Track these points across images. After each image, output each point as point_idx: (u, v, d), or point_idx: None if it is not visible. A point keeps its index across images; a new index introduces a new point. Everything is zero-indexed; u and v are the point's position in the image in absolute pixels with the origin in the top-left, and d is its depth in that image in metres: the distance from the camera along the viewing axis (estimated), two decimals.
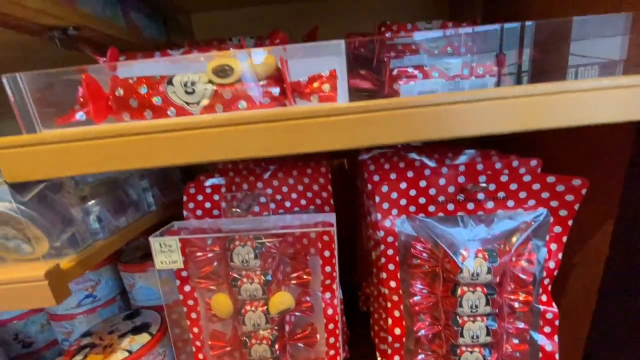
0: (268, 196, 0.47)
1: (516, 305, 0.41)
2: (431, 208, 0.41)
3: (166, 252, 0.40)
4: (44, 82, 0.31)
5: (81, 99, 0.34)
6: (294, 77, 0.33)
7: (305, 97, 0.33)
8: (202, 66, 0.32)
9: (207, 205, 0.49)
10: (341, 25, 0.67)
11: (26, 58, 0.56)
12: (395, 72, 0.47)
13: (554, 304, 0.42)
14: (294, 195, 0.48)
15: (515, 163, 0.43)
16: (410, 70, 0.47)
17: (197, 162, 0.30)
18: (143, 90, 0.31)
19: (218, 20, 0.66)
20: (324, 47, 0.31)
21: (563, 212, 0.39)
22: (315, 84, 0.33)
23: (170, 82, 0.31)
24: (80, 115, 0.33)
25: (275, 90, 0.32)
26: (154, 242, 0.40)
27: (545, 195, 0.39)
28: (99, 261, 0.42)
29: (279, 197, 0.48)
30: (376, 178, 0.44)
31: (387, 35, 0.55)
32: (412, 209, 0.41)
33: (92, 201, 0.43)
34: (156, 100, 0.32)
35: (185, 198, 0.49)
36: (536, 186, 0.38)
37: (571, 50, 0.38)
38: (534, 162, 0.43)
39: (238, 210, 0.39)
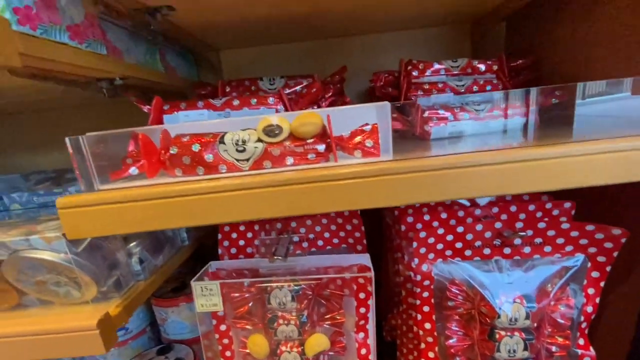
0: (301, 235, 0.48)
1: (554, 349, 0.41)
2: (467, 252, 0.41)
3: (207, 296, 0.41)
4: (101, 141, 0.33)
5: (134, 152, 0.35)
6: (336, 131, 0.34)
7: (349, 151, 0.34)
8: (252, 122, 0.34)
9: (241, 242, 0.50)
10: (365, 61, 0.69)
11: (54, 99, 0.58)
12: (426, 114, 0.48)
13: (591, 348, 0.42)
14: (326, 235, 0.49)
15: (548, 205, 0.44)
16: (441, 112, 0.47)
17: (247, 220, 0.31)
18: (195, 148, 0.33)
19: (246, 57, 0.68)
20: (369, 108, 0.33)
21: (601, 259, 0.39)
22: (358, 139, 0.34)
23: (222, 141, 0.33)
24: (133, 170, 0.34)
25: (321, 147, 0.33)
26: (196, 285, 0.41)
27: (583, 241, 0.39)
28: (141, 303, 0.43)
29: (311, 236, 0.49)
30: (411, 220, 0.44)
31: (413, 73, 0.56)
32: (448, 252, 0.42)
33: (134, 242, 0.44)
34: (208, 157, 0.33)
35: (220, 236, 0.50)
36: (574, 233, 0.39)
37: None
38: (567, 205, 0.44)
39: (279, 258, 0.40)
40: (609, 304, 0.45)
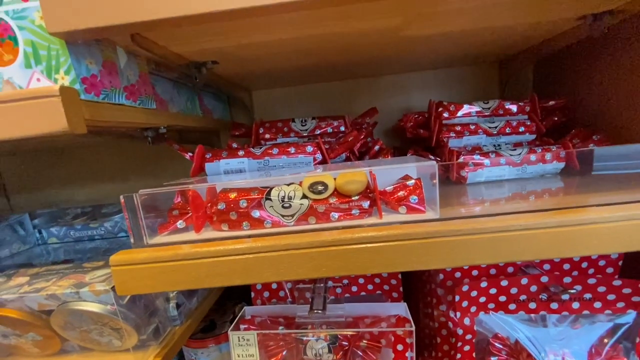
0: (335, 280, 0.48)
1: None
2: (512, 306, 0.40)
3: (244, 346, 0.41)
4: (150, 197, 0.34)
5: (179, 203, 0.37)
6: (380, 184, 0.34)
7: (393, 206, 0.34)
8: (296, 178, 0.34)
9: (274, 286, 0.50)
10: (393, 99, 0.70)
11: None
12: (461, 159, 0.48)
13: None
14: (361, 281, 0.48)
15: (594, 255, 0.42)
16: (477, 157, 0.47)
17: (298, 279, 0.31)
18: (243, 204, 0.34)
19: (276, 97, 0.70)
20: (416, 167, 0.33)
21: None
22: (401, 193, 0.34)
23: (268, 197, 0.33)
24: (180, 224, 0.35)
25: (365, 204, 0.33)
26: (233, 336, 0.41)
27: (636, 298, 0.37)
28: (178, 350, 0.43)
29: (346, 281, 0.48)
30: (458, 275, 0.43)
31: (444, 115, 0.57)
32: (491, 306, 0.40)
33: None
34: (255, 213, 0.34)
35: None
36: (626, 290, 0.37)
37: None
38: (614, 255, 0.42)
39: (318, 311, 0.40)
40: None
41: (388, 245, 0.30)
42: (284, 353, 0.45)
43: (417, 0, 0.33)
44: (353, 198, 0.33)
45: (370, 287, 0.48)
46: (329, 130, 0.58)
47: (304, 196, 0.33)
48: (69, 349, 0.41)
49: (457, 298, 0.39)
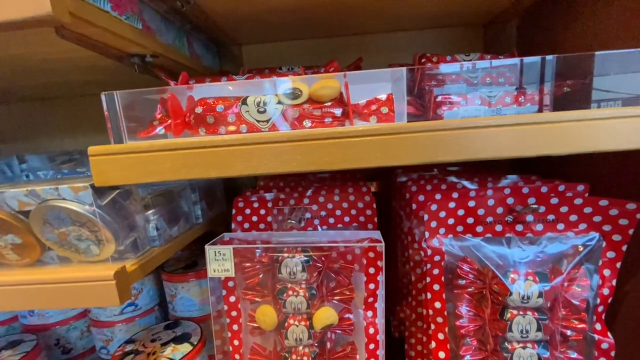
0: (313, 212, 0.49)
1: (569, 333, 0.40)
2: (479, 228, 0.42)
3: (220, 260, 0.42)
4: (132, 100, 0.35)
5: (159, 115, 0.38)
6: (353, 100, 0.36)
7: (364, 117, 0.36)
8: (271, 89, 0.36)
9: (254, 218, 0.52)
10: (379, 59, 0.71)
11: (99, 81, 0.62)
12: (439, 99, 0.49)
13: (609, 334, 0.41)
14: (338, 212, 0.49)
15: (561, 187, 0.44)
16: (453, 97, 0.49)
17: (266, 173, 0.32)
18: (219, 108, 0.35)
19: (266, 52, 0.71)
20: (385, 74, 0.34)
21: (616, 237, 0.39)
22: (374, 107, 0.36)
23: (244, 102, 0.35)
24: (159, 130, 0.37)
25: (338, 112, 0.35)
26: (209, 250, 0.42)
27: (597, 218, 0.39)
28: (155, 267, 0.44)
29: (323, 213, 0.50)
30: (422, 198, 0.45)
31: (427, 65, 0.58)
32: (459, 228, 0.42)
33: (152, 210, 0.46)
34: (231, 117, 0.35)
35: (234, 211, 0.51)
36: (587, 209, 0.39)
37: (594, 85, 0.40)
38: (581, 187, 0.44)
39: (292, 221, 0.41)
40: (630, 289, 0.44)
41: (354, 140, 0.31)
42: (260, 276, 0.46)
43: None
44: (326, 104, 0.35)
45: (347, 219, 0.49)
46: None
47: (279, 102, 0.35)
48: (48, 260, 0.42)
49: (425, 217, 0.41)
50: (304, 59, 0.72)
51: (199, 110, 0.35)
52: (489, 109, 0.49)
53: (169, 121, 0.36)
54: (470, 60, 0.59)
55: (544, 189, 0.44)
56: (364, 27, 0.68)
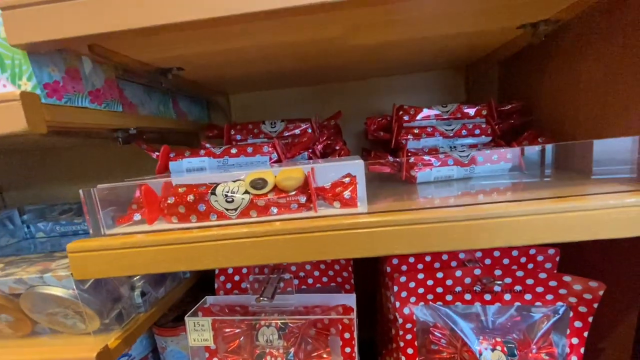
0: (292, 272, 0.51)
1: None
2: (448, 297, 0.43)
3: (199, 331, 0.44)
4: (111, 192, 0.37)
5: (139, 198, 0.40)
6: (320, 181, 0.37)
7: (329, 201, 0.37)
8: (243, 175, 0.38)
9: (236, 278, 0.53)
10: (364, 104, 0.73)
11: None
12: (412, 160, 0.50)
13: None
14: (316, 273, 0.51)
15: (532, 251, 0.45)
16: (426, 158, 0.50)
17: (233, 266, 0.34)
18: (190, 198, 0.37)
19: (253, 100, 0.73)
20: (348, 165, 0.36)
21: (582, 309, 0.39)
22: (338, 189, 0.37)
23: (213, 192, 0.37)
24: (136, 216, 0.39)
25: (302, 199, 0.36)
26: (189, 321, 0.44)
27: (562, 291, 0.39)
28: (142, 334, 0.46)
29: (302, 274, 0.51)
30: (396, 262, 0.46)
31: (404, 118, 0.60)
32: (429, 297, 0.43)
33: (137, 276, 0.48)
34: (201, 207, 0.37)
35: (217, 271, 0.53)
36: (553, 283, 0.39)
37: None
38: (551, 251, 0.45)
39: (265, 299, 0.43)
40: (601, 353, 0.44)
41: (316, 235, 0.33)
42: (240, 340, 0.48)
43: (348, 13, 0.36)
44: (290, 193, 0.36)
45: (325, 279, 0.51)
46: (297, 132, 0.62)
47: (246, 192, 0.36)
48: (40, 331, 0.44)
49: (395, 288, 0.42)
50: (290, 106, 0.74)
51: (171, 200, 0.37)
52: (462, 169, 0.50)
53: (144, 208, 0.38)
54: (447, 111, 0.60)
55: (514, 253, 0.45)
56: (345, 77, 0.70)
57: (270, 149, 0.48)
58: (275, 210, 0.37)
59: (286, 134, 0.62)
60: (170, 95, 0.59)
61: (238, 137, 0.62)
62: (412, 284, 0.42)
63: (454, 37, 0.48)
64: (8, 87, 0.33)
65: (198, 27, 0.31)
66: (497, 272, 0.41)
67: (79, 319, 0.41)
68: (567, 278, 0.38)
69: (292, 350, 0.45)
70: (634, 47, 0.38)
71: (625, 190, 0.32)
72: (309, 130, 0.61)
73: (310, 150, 0.55)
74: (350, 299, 0.47)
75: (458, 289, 0.42)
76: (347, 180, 0.37)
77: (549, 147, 0.38)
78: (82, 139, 0.49)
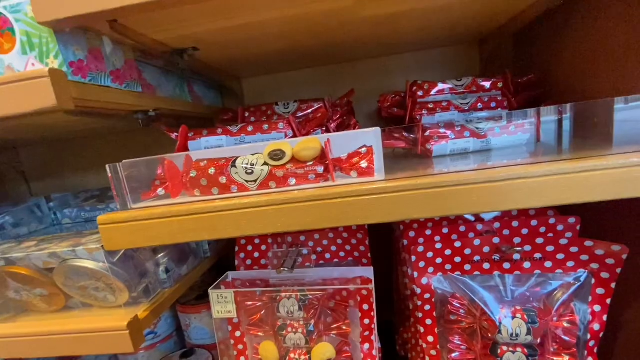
0: (310, 248, 0.52)
1: None
2: (467, 267, 0.43)
3: (222, 303, 0.45)
4: (135, 167, 0.39)
5: (161, 175, 0.41)
6: (336, 153, 0.38)
7: (346, 171, 0.38)
8: (261, 148, 0.38)
9: (256, 255, 0.55)
10: (376, 83, 0.72)
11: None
12: (427, 133, 0.50)
13: None
14: (333, 248, 0.52)
15: (552, 220, 0.44)
16: (442, 131, 0.50)
17: (254, 234, 0.35)
18: (211, 171, 0.38)
19: (265, 84, 0.74)
20: (364, 134, 0.36)
21: (605, 275, 0.39)
22: (355, 160, 0.38)
23: (233, 165, 0.38)
24: (160, 191, 0.40)
25: (320, 169, 0.37)
26: (212, 294, 0.45)
27: (584, 257, 0.39)
28: (167, 308, 0.48)
29: (319, 249, 0.52)
30: (413, 234, 0.46)
31: (419, 94, 0.59)
32: (448, 267, 0.43)
33: (161, 254, 0.50)
34: (222, 179, 0.38)
35: (237, 248, 0.55)
36: (574, 249, 0.39)
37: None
38: (572, 220, 0.44)
39: (285, 269, 0.44)
40: (624, 323, 0.44)
41: (334, 202, 0.34)
42: (262, 313, 0.49)
43: None
44: (308, 164, 0.37)
45: (342, 254, 0.51)
46: (310, 111, 0.62)
47: (265, 163, 0.37)
48: (73, 305, 0.47)
49: (413, 258, 0.42)
50: (302, 88, 0.74)
51: (193, 174, 0.38)
52: (478, 141, 0.50)
53: (168, 182, 0.40)
54: (462, 85, 0.59)
55: (533, 223, 0.44)
56: (358, 55, 0.69)
57: (285, 125, 0.48)
58: (293, 180, 0.37)
59: (299, 114, 0.62)
60: (185, 79, 0.60)
61: (252, 119, 0.63)
62: (430, 254, 0.43)
63: (468, 4, 0.47)
64: (36, 65, 0.34)
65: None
66: (517, 240, 0.41)
67: (109, 291, 0.43)
68: (588, 243, 0.38)
69: (312, 321, 0.47)
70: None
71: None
72: (324, 109, 0.62)
73: (324, 128, 0.55)
74: (368, 271, 0.47)
75: (477, 258, 0.42)
76: (363, 150, 0.38)
77: (566, 108, 0.38)
78: (104, 121, 0.50)
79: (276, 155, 0.37)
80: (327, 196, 0.34)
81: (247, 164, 0.37)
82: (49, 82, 0.32)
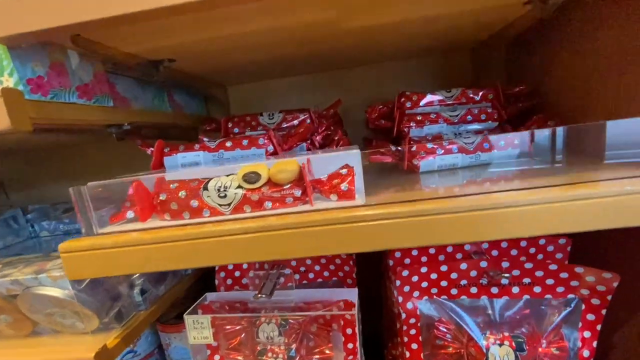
0: (293, 267, 0.50)
1: None
2: (454, 291, 0.41)
3: (198, 329, 0.43)
4: (104, 190, 0.36)
5: (132, 197, 0.39)
6: (316, 172, 0.36)
7: (325, 193, 0.36)
8: (236, 168, 0.36)
9: (237, 273, 0.53)
10: (367, 91, 0.70)
11: None
12: (414, 148, 0.48)
13: None
14: (317, 267, 0.50)
15: (542, 241, 0.43)
16: (429, 146, 0.48)
17: (228, 264, 0.33)
18: (182, 195, 0.36)
19: (251, 91, 0.72)
20: (344, 156, 0.34)
21: (595, 301, 0.37)
22: (335, 181, 0.36)
23: (205, 188, 0.35)
24: (130, 214, 0.38)
25: (297, 192, 0.35)
26: (188, 319, 0.43)
27: (574, 283, 0.37)
28: (142, 332, 0.45)
29: (302, 268, 0.50)
30: (398, 255, 0.45)
31: (407, 105, 0.57)
32: (434, 290, 0.41)
33: (137, 274, 0.48)
34: (193, 203, 0.36)
35: (217, 267, 0.52)
36: (564, 274, 0.37)
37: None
38: (562, 241, 0.43)
39: (263, 296, 0.42)
40: (614, 347, 0.42)
41: (312, 230, 0.32)
42: (241, 337, 0.47)
43: None
44: (285, 187, 0.35)
45: (326, 274, 0.50)
46: (295, 122, 0.60)
47: (239, 186, 0.35)
48: (41, 330, 0.44)
49: (397, 283, 0.41)
50: (290, 96, 0.72)
51: (163, 197, 0.36)
52: (467, 156, 0.48)
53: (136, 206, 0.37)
54: (451, 96, 0.57)
55: (523, 243, 0.43)
56: (347, 64, 0.67)
57: (266, 141, 0.46)
58: (269, 204, 0.35)
59: (284, 125, 0.60)
60: (165, 89, 0.58)
61: (236, 130, 0.60)
62: (415, 278, 0.41)
63: (455, 16, 0.45)
64: None
65: (181, 12, 0.30)
66: (505, 264, 0.39)
67: (77, 318, 0.41)
68: (579, 269, 0.36)
69: (293, 346, 0.45)
70: None
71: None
72: (308, 121, 0.60)
73: (308, 141, 0.53)
74: (352, 294, 0.45)
75: (463, 282, 0.40)
76: (344, 171, 0.36)
77: (559, 131, 0.36)
78: (77, 136, 0.48)
79: (251, 178, 0.35)
80: (305, 224, 0.32)
81: (220, 187, 0.35)
82: (1, 102, 0.30)
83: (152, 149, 0.48)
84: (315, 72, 0.71)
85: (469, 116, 0.55)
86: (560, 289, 0.38)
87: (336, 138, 0.55)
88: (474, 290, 0.41)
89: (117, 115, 0.45)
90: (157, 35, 0.39)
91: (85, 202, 0.36)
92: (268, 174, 0.35)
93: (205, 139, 0.47)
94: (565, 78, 0.51)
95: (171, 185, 0.36)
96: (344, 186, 0.35)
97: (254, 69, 0.61)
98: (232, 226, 0.33)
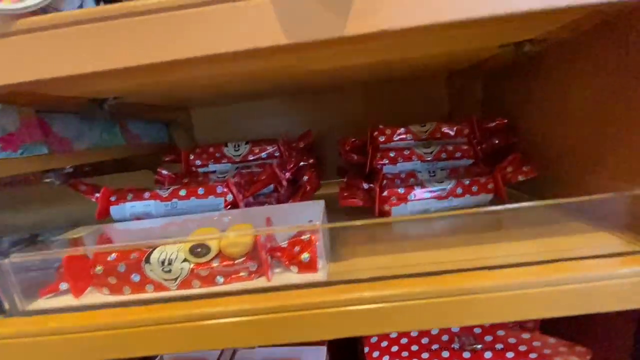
0: None
1: None
2: (424, 355, 0.39)
3: None
4: (29, 263, 0.32)
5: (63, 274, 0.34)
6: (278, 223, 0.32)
7: (286, 264, 0.32)
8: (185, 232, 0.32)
9: None
10: (339, 113, 0.67)
11: None
12: (385, 193, 0.45)
13: None
14: None
15: None
16: (401, 191, 0.45)
17: (174, 352, 0.29)
18: (121, 268, 0.31)
19: (217, 114, 0.67)
20: (306, 206, 0.31)
21: None
22: (296, 249, 0.32)
23: (148, 260, 0.31)
24: (63, 286, 0.33)
25: (253, 267, 0.31)
26: None
27: (547, 351, 0.36)
28: None
29: None
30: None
31: (380, 139, 0.54)
32: (404, 354, 0.39)
33: None
34: (134, 277, 0.31)
35: None
36: (536, 343, 0.36)
37: None
38: None
39: None
40: None
41: (266, 318, 0.28)
42: None
43: (300, 46, 0.30)
44: (237, 260, 0.31)
45: None
46: (263, 155, 0.56)
47: (186, 260, 0.31)
48: None
49: (366, 349, 0.38)
50: (258, 121, 0.68)
51: (99, 270, 0.32)
52: (439, 202, 0.46)
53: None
54: (425, 131, 0.55)
55: None
56: (319, 89, 0.64)
57: (224, 189, 0.42)
58: (221, 279, 0.32)
59: (251, 157, 0.56)
60: (116, 120, 0.53)
61: (198, 162, 0.56)
62: (384, 343, 0.38)
63: (430, 57, 0.42)
64: None
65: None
66: (477, 330, 0.37)
67: None
68: (551, 340, 0.35)
69: None
70: (627, 69, 0.33)
71: (616, 252, 0.28)
72: (276, 155, 0.56)
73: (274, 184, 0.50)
74: (320, 353, 0.42)
75: (435, 346, 0.38)
76: (305, 237, 0.33)
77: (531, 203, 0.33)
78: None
79: (198, 252, 0.31)
80: (260, 311, 0.28)
81: (164, 260, 0.31)
82: None
83: (97, 195, 0.43)
84: (278, 96, 0.66)
85: (444, 153, 0.53)
86: (533, 355, 0.37)
87: (305, 178, 0.52)
88: (445, 354, 0.38)
89: (54, 162, 0.40)
90: (97, 83, 0.34)
91: (8, 278, 0.31)
92: (218, 246, 0.31)
93: (157, 188, 0.42)
94: (541, 116, 0.49)
95: (108, 257, 0.32)
96: (304, 257, 0.32)
97: (219, 95, 0.57)
98: (177, 313, 0.29)
